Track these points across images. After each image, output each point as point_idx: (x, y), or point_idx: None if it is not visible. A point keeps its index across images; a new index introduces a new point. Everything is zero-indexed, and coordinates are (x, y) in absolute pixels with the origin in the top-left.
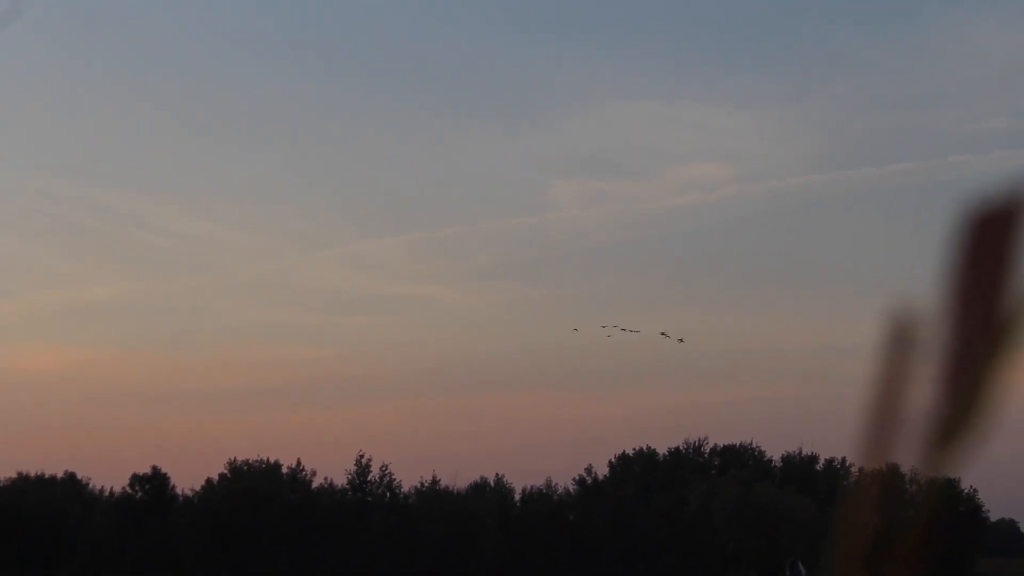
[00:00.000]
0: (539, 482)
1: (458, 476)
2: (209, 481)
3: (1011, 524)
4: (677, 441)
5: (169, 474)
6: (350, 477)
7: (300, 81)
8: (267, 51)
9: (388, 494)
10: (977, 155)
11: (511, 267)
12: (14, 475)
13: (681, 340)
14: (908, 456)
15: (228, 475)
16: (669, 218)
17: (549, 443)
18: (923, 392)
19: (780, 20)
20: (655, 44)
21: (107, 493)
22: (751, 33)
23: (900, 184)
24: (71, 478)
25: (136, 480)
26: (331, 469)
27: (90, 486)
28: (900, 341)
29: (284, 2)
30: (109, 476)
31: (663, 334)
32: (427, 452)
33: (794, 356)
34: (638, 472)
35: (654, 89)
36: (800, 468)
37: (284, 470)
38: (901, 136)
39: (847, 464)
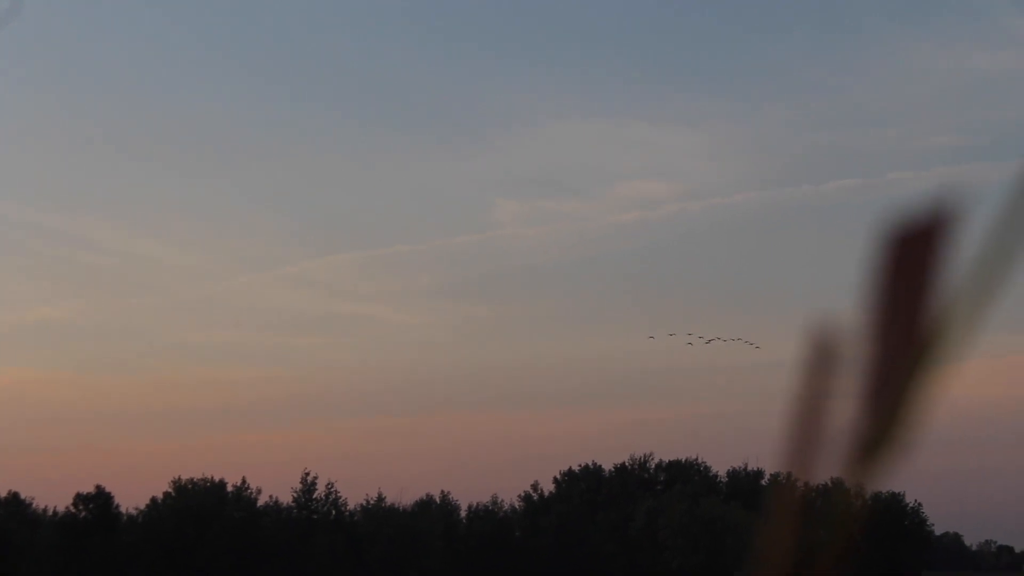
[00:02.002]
0: (485, 499)
1: (404, 494)
2: (154, 500)
3: (955, 538)
4: (623, 457)
5: (113, 493)
6: (295, 495)
7: (245, 103)
8: (213, 74)
9: (333, 512)
10: (917, 172)
11: (456, 286)
12: None
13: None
14: (830, 471)
15: (172, 494)
16: (612, 236)
17: (495, 460)
18: (845, 407)
19: (723, 41)
20: (599, 64)
21: (51, 512)
22: (694, 53)
23: (841, 201)
24: (14, 498)
25: (80, 499)
26: (276, 487)
27: (33, 505)
28: (822, 356)
29: (232, 25)
30: (53, 495)
31: (739, 339)
32: (373, 470)
33: (739, 372)
34: (584, 488)
35: (597, 108)
36: (745, 483)
37: (229, 488)
38: (842, 154)
39: (792, 479)
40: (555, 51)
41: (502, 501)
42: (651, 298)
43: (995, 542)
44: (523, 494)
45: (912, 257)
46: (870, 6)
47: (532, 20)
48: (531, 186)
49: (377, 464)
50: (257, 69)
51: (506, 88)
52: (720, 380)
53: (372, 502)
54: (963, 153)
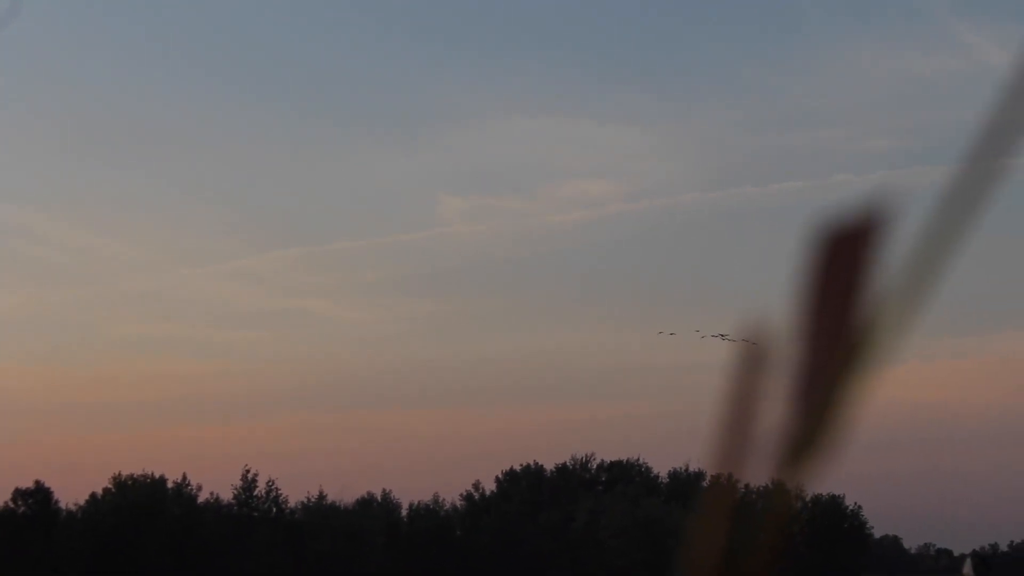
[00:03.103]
0: (426, 498)
1: (345, 491)
2: (94, 495)
3: (895, 541)
4: (565, 457)
5: (53, 488)
6: (236, 492)
7: (189, 95)
8: (155, 67)
9: (274, 509)
10: (860, 175)
11: (399, 282)
12: None
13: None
14: (761, 470)
15: (113, 489)
16: (556, 234)
17: (437, 459)
18: (775, 407)
19: (667, 40)
20: (543, 61)
21: None
22: (639, 51)
23: (785, 203)
24: None
25: (19, 494)
26: (217, 484)
27: None
28: (753, 356)
29: (175, 18)
30: None
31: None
32: (314, 467)
33: (682, 372)
34: (525, 488)
35: (541, 105)
36: (687, 484)
37: (169, 485)
38: (786, 155)
39: (733, 479)
40: (501, 47)
41: (444, 500)
42: (594, 297)
43: (934, 545)
44: (465, 493)
45: (842, 258)
46: (815, 9)
47: (478, 16)
48: (475, 183)
49: (318, 461)
50: (200, 63)
51: (451, 84)
52: (662, 380)
53: (313, 499)
54: (908, 156)
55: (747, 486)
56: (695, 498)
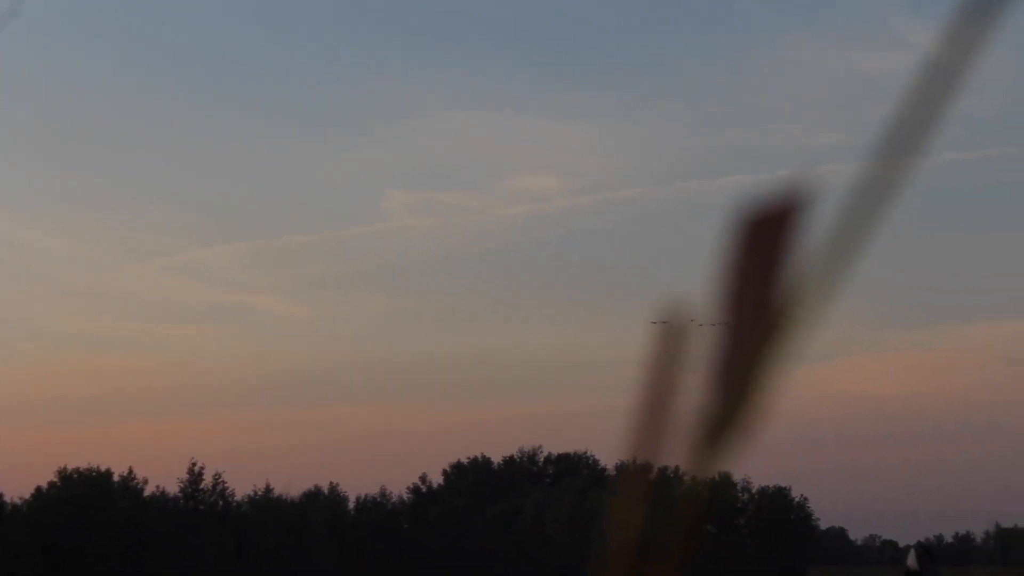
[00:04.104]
0: (373, 491)
1: (291, 485)
2: (39, 489)
3: (840, 532)
4: (512, 450)
5: None
6: (182, 486)
7: (131, 89)
8: (96, 62)
9: (221, 502)
10: (807, 169)
11: (345, 278)
12: None
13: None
14: (676, 456)
15: (58, 483)
16: (503, 229)
17: (384, 452)
18: (692, 392)
19: (614, 36)
20: (490, 56)
21: None
22: (586, 47)
23: (731, 197)
24: None
25: None
26: (163, 478)
27: None
28: (670, 342)
29: (117, 13)
30: None
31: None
32: (261, 461)
33: (630, 366)
34: (472, 481)
35: (488, 100)
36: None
37: (115, 478)
38: (732, 151)
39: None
40: (448, 43)
41: (390, 493)
42: (541, 291)
43: (879, 537)
44: (412, 486)
45: (762, 242)
46: (761, 6)
47: (425, 10)
48: (421, 178)
49: (265, 455)
50: (147, 57)
51: (396, 79)
52: (609, 373)
53: (260, 493)
54: (852, 151)
55: (664, 470)
56: (610, 483)
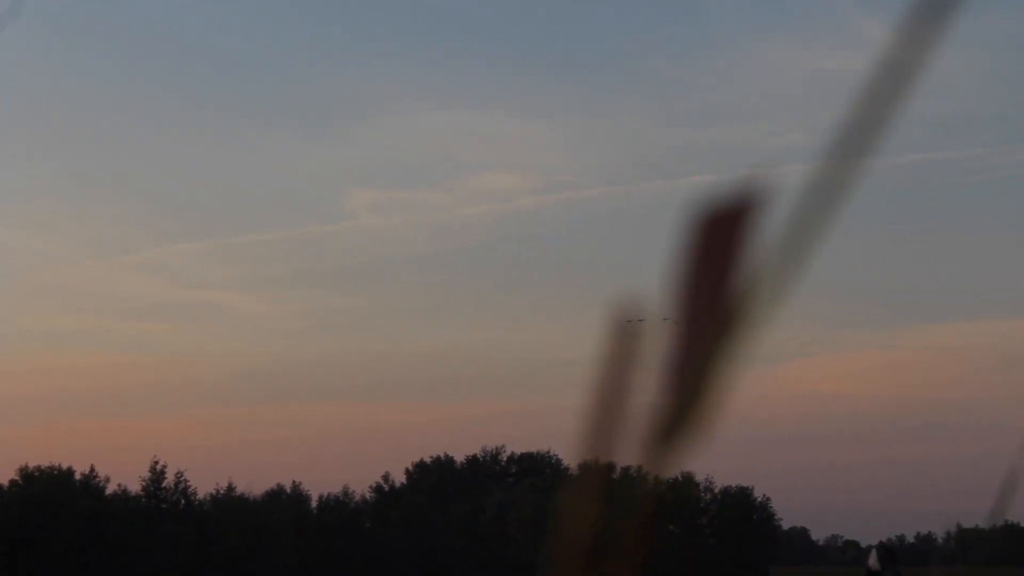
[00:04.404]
0: (336, 490)
1: (254, 484)
2: None
3: (803, 532)
4: (475, 449)
5: None
6: (144, 484)
7: (93, 84)
8: (61, 56)
9: (183, 501)
10: (770, 169)
11: (308, 276)
12: None
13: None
14: (630, 455)
15: (19, 481)
16: (468, 228)
17: (347, 451)
18: (646, 391)
19: (580, 34)
20: (454, 54)
21: None
22: (551, 45)
23: (691, 197)
24: None
25: None
26: (125, 476)
27: None
28: (623, 340)
29: (78, 5)
30: None
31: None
32: (223, 460)
33: (591, 365)
34: (435, 480)
35: (453, 99)
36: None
37: (77, 477)
38: (696, 150)
39: (641, 471)
40: (412, 40)
41: (353, 492)
42: (506, 291)
43: (841, 537)
44: (374, 485)
45: (714, 241)
46: (725, 4)
47: (390, 7)
48: (386, 176)
49: (228, 453)
50: (107, 53)
51: (361, 76)
52: (573, 373)
53: (222, 492)
54: (818, 150)
55: (617, 468)
56: (564, 481)
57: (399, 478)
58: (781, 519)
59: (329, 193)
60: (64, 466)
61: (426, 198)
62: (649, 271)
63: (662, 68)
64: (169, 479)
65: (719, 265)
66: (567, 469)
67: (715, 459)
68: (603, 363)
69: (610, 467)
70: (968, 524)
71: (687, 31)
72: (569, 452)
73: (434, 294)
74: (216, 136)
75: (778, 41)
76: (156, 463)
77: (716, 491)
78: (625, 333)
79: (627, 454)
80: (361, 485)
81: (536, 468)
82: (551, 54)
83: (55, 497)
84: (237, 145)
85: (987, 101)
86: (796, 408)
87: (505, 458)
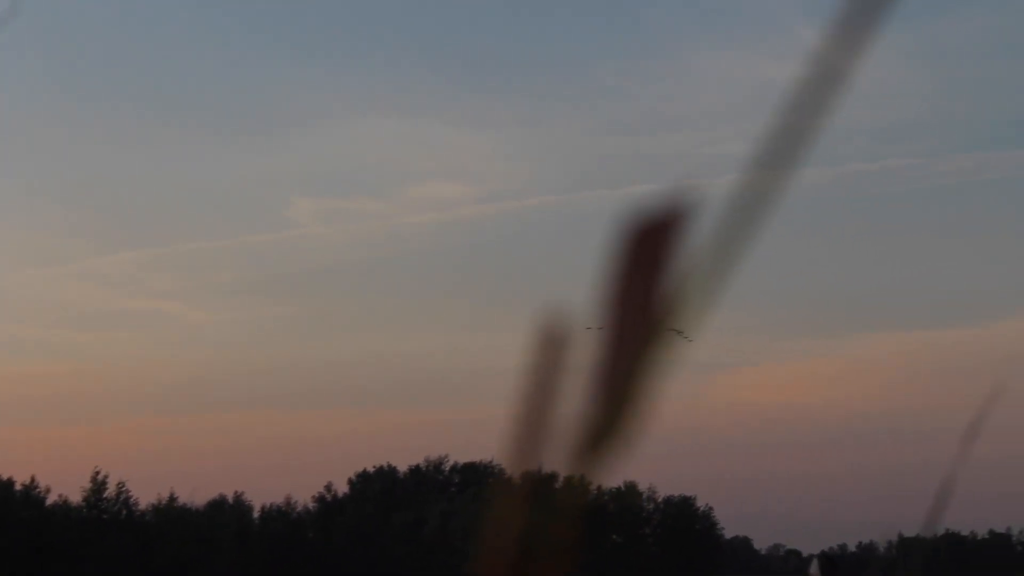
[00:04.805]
0: (279, 499)
1: (196, 494)
2: None
3: (745, 541)
4: (418, 459)
5: None
6: (85, 495)
7: (27, 90)
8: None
9: (124, 511)
10: (711, 179)
11: (250, 284)
12: None
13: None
14: (555, 461)
15: None
16: (409, 237)
17: (290, 460)
18: (573, 399)
19: (522, 43)
20: (396, 62)
21: None
22: (492, 54)
23: (624, 207)
24: None
25: None
26: (66, 487)
27: None
28: (550, 350)
29: (22, 10)
30: None
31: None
32: (165, 470)
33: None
34: (378, 490)
35: (394, 107)
36: (540, 486)
37: (17, 487)
38: (639, 159)
39: (584, 480)
40: (353, 49)
41: (296, 502)
42: (448, 300)
43: (783, 546)
44: (317, 495)
45: (642, 251)
46: (668, 14)
47: (331, 16)
48: (327, 184)
49: (169, 463)
50: (45, 57)
51: (302, 84)
52: (516, 381)
53: (164, 502)
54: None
55: (544, 477)
56: (492, 488)
57: (342, 488)
58: (724, 528)
59: (270, 201)
60: (4, 477)
61: (367, 206)
62: (586, 281)
63: (605, 78)
64: (111, 489)
65: (647, 275)
66: (511, 479)
67: (658, 468)
68: (530, 372)
69: (538, 474)
70: (909, 533)
71: (629, 41)
72: (499, 459)
73: (376, 303)
74: (158, 144)
75: (722, 51)
76: (97, 473)
77: (659, 500)
78: (552, 342)
79: (554, 462)
80: (304, 495)
81: (479, 478)
82: (494, 63)
83: None
84: (178, 153)
85: (926, 111)
86: (737, 417)
87: (448, 468)
